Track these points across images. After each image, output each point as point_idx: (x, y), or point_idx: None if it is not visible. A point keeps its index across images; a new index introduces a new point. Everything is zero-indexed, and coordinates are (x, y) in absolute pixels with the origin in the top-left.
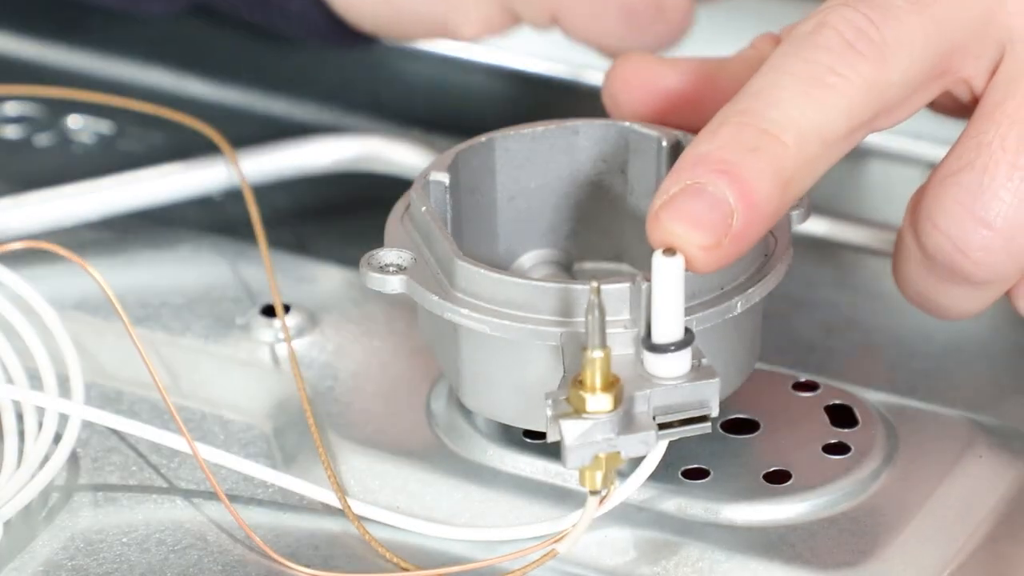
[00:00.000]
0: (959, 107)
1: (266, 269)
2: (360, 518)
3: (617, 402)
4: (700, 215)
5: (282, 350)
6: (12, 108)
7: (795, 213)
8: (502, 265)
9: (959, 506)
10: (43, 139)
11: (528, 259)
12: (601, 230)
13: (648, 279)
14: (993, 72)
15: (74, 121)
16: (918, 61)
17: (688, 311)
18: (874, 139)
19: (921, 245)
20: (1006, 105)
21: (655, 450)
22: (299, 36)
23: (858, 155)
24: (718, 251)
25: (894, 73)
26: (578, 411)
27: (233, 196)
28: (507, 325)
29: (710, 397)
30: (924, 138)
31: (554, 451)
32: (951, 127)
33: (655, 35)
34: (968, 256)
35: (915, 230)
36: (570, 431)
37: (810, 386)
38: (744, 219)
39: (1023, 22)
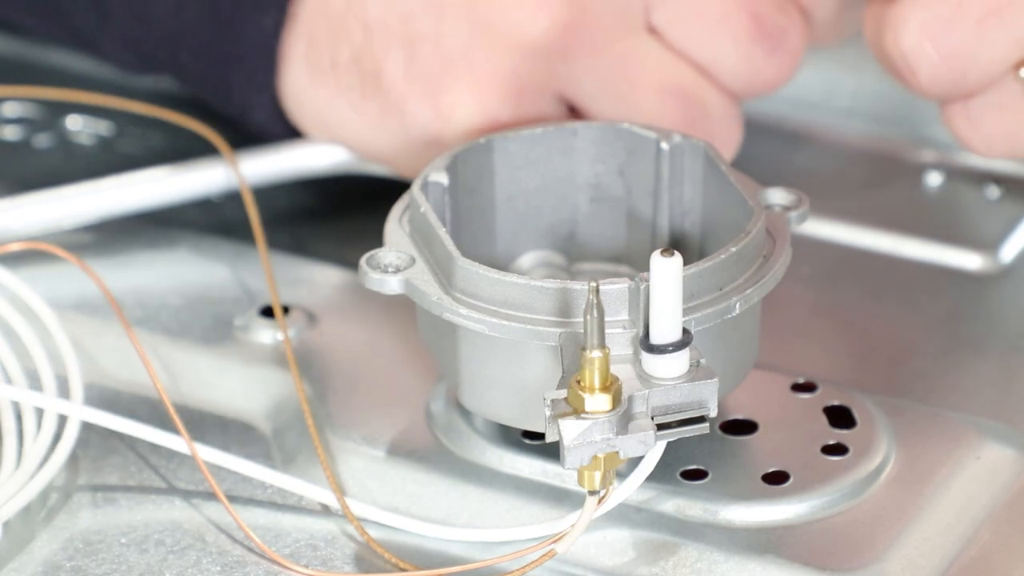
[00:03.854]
0: None
1: (265, 270)
2: (359, 519)
3: (616, 402)
4: None
5: (281, 351)
6: (11, 109)
7: (794, 214)
8: (501, 266)
9: (957, 507)
10: (42, 140)
11: (527, 260)
12: (599, 231)
13: (647, 279)
14: None
15: (73, 122)
16: None
17: (687, 311)
18: (872, 140)
19: (876, 44)
20: None
21: (654, 450)
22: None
23: (855, 156)
24: None
25: None
26: (577, 411)
27: (232, 198)
28: (506, 325)
29: (708, 398)
30: (921, 140)
31: (553, 451)
32: (949, 132)
33: None
34: (916, 76)
35: (875, 32)
36: (569, 431)
37: (808, 387)
38: None
39: None
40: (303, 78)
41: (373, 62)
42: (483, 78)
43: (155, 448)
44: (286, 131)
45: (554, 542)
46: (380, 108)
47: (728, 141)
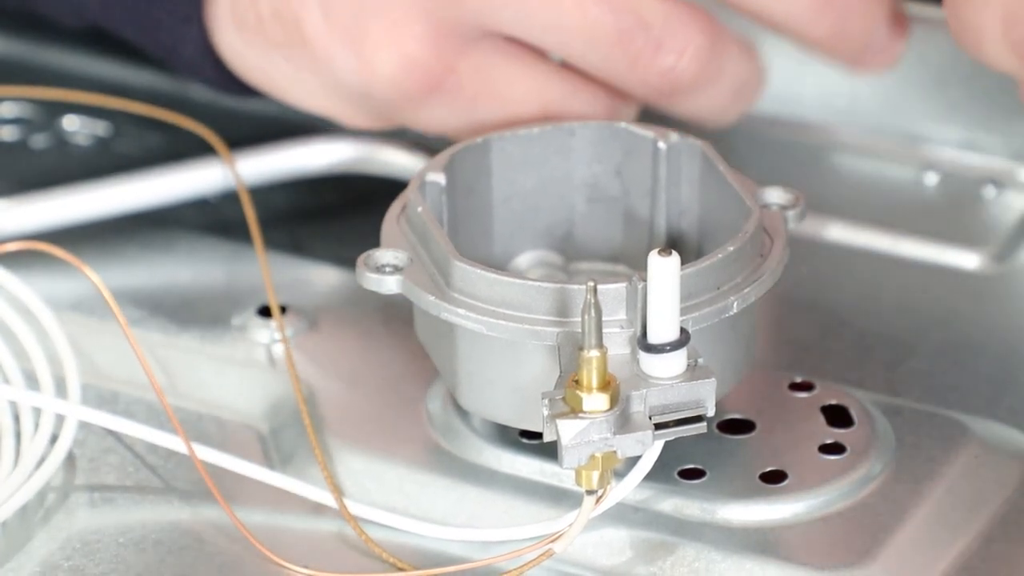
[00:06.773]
0: None
1: (262, 270)
2: (356, 518)
3: (613, 402)
4: None
5: (278, 351)
6: (8, 109)
7: (791, 213)
8: (498, 266)
9: (955, 506)
10: (39, 140)
11: (524, 260)
12: (597, 231)
13: (644, 279)
14: None
15: (70, 122)
16: None
17: (684, 311)
18: (870, 139)
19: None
20: None
21: (651, 450)
22: (193, 80)
23: (854, 156)
24: None
25: None
26: (574, 411)
27: (229, 197)
28: (504, 325)
29: (706, 397)
30: (921, 141)
31: (550, 451)
32: (947, 131)
33: None
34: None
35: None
36: (567, 430)
37: (806, 386)
38: None
39: None
40: (235, 37)
41: (292, 14)
42: (399, 19)
43: (153, 448)
44: (216, 72)
45: (552, 541)
46: (310, 62)
47: (685, 47)
